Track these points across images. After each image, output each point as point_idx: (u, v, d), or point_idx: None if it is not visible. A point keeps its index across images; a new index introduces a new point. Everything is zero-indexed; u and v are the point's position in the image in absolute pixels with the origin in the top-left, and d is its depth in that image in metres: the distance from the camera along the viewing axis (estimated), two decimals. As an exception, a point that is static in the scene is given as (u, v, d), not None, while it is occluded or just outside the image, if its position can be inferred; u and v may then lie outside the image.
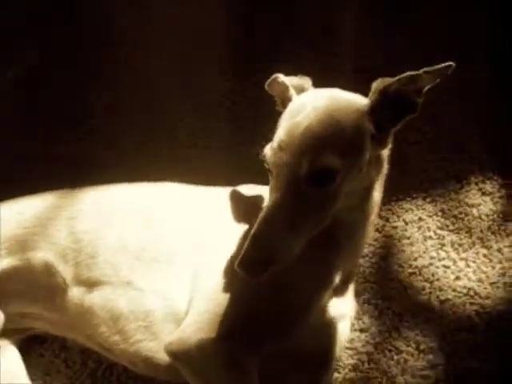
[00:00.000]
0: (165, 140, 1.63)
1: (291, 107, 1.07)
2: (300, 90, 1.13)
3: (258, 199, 1.18)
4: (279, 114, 1.08)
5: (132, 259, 1.21)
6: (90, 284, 1.20)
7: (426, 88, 1.02)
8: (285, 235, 0.97)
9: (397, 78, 1.02)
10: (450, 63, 1.00)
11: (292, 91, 1.12)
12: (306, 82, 1.15)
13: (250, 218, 1.11)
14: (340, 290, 1.24)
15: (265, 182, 1.26)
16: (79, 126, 1.65)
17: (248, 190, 1.30)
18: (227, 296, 1.11)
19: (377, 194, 1.16)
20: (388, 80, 1.03)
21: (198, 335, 1.10)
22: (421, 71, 1.01)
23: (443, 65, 1.00)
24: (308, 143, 0.98)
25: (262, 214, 0.98)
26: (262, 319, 1.12)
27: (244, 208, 1.19)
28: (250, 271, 0.97)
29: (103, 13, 1.86)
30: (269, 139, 1.03)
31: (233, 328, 1.10)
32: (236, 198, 1.23)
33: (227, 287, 1.12)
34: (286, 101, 1.13)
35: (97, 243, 1.22)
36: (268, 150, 1.03)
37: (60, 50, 1.82)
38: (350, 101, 1.05)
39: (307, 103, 1.04)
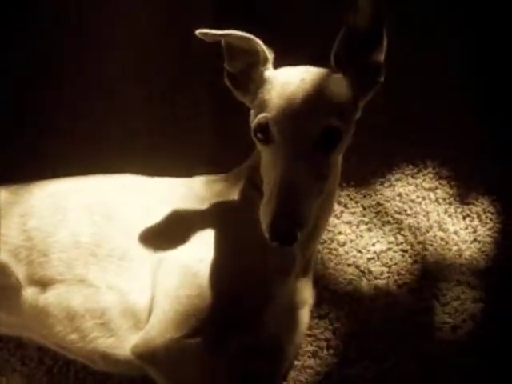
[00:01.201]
0: (120, 130, 1.60)
1: (278, 80, 1.06)
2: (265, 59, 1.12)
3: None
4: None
5: (86, 256, 1.19)
6: (44, 283, 1.18)
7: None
8: (304, 199, 0.98)
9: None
10: None
11: (269, 56, 1.10)
12: (270, 53, 1.14)
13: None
14: (301, 276, 1.26)
15: (218, 173, 1.28)
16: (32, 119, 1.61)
17: (207, 180, 1.30)
18: (190, 293, 1.11)
19: (338, 173, 1.17)
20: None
21: (163, 335, 1.10)
22: None
23: None
24: (311, 109, 1.01)
25: (279, 182, 0.98)
26: (226, 313, 1.12)
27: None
28: (285, 240, 0.97)
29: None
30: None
31: (198, 325, 1.10)
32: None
33: (189, 284, 1.12)
34: (242, 57, 1.11)
35: (49, 240, 1.20)
36: (265, 119, 1.02)
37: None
38: (327, 72, 1.08)
39: (292, 77, 1.05)
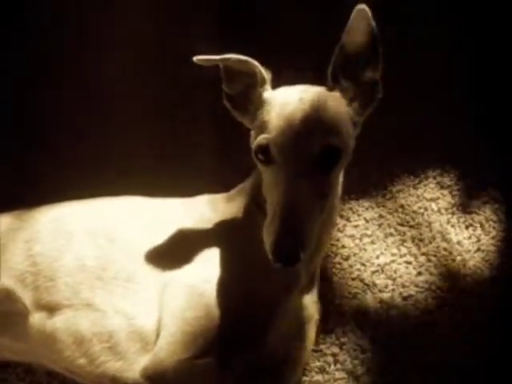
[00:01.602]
0: (120, 150, 1.60)
1: (276, 101, 1.07)
2: (263, 80, 1.13)
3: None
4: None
5: (92, 280, 1.20)
6: (51, 308, 1.19)
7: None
8: (306, 219, 0.99)
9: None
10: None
11: (267, 77, 1.11)
12: (268, 73, 1.15)
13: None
14: (306, 291, 1.26)
15: (220, 191, 1.28)
16: (34, 143, 1.61)
17: (209, 199, 1.30)
18: (196, 314, 1.12)
19: (339, 189, 1.18)
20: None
21: (172, 357, 1.11)
22: None
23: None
24: (311, 129, 1.02)
25: (281, 202, 0.99)
26: (233, 332, 1.12)
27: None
28: (288, 261, 0.97)
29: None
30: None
31: (206, 345, 1.11)
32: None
33: (195, 305, 1.12)
34: (240, 79, 1.12)
35: (54, 265, 1.20)
36: (266, 140, 1.04)
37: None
38: (325, 90, 1.09)
39: (290, 97, 1.06)
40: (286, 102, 1.07)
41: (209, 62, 1.11)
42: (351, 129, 1.09)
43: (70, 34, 1.77)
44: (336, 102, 1.08)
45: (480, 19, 1.78)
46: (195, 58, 1.10)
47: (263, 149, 1.05)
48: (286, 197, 1.00)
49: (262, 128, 1.07)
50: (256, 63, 1.12)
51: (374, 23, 1.05)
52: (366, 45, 1.07)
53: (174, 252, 1.20)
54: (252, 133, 1.13)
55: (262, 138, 1.05)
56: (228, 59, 1.11)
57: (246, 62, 1.11)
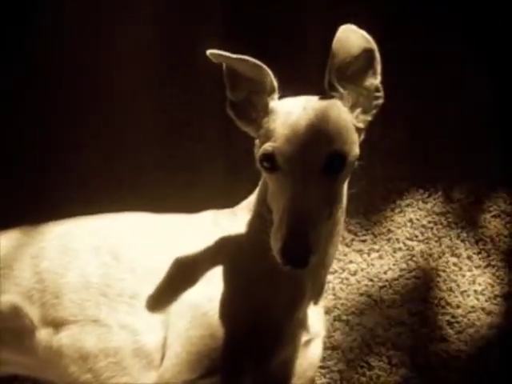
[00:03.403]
0: (129, 165, 1.62)
1: (281, 110, 1.07)
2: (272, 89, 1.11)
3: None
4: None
5: (97, 296, 1.19)
6: (57, 324, 1.18)
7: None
8: (314, 224, 0.99)
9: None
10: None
11: (275, 84, 1.09)
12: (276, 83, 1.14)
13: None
14: (312, 305, 1.26)
15: (228, 205, 1.28)
16: (43, 159, 1.64)
17: (213, 215, 1.31)
18: (201, 333, 1.10)
19: (345, 200, 1.16)
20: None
21: (177, 378, 1.10)
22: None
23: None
24: (315, 136, 1.02)
25: (288, 208, 0.99)
26: (239, 350, 1.11)
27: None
28: (297, 263, 0.97)
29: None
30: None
31: (211, 365, 1.09)
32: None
33: (200, 324, 1.11)
34: (245, 85, 1.11)
35: (60, 282, 1.20)
36: (271, 148, 1.03)
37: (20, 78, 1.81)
38: (327, 100, 1.08)
39: (294, 106, 1.06)
40: (290, 111, 1.07)
41: (221, 59, 1.10)
42: (355, 135, 1.09)
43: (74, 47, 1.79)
44: (337, 110, 1.08)
45: (491, 30, 1.78)
46: (208, 52, 1.08)
47: (269, 157, 1.04)
48: (293, 202, 1.00)
49: (268, 136, 1.06)
50: (268, 71, 1.10)
51: (364, 32, 1.05)
52: (360, 53, 1.06)
53: (178, 270, 1.18)
54: (256, 141, 1.12)
55: (267, 146, 1.04)
56: (243, 60, 1.09)
57: (260, 67, 1.09)
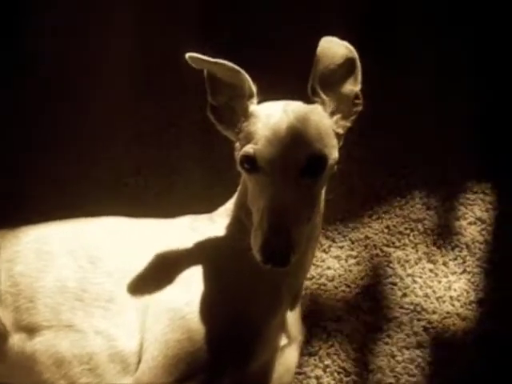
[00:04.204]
0: (107, 169, 1.61)
1: (262, 113, 1.09)
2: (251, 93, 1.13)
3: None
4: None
5: (72, 301, 1.18)
6: (31, 329, 1.16)
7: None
8: (294, 222, 1.00)
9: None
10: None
11: (254, 90, 1.12)
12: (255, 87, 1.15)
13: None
14: (289, 309, 1.26)
15: (208, 210, 1.29)
16: (18, 162, 1.62)
17: (191, 220, 1.30)
18: (179, 337, 1.10)
19: (322, 205, 1.18)
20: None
21: (153, 382, 1.09)
22: None
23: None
24: (296, 138, 1.04)
25: (268, 206, 1.00)
26: (219, 353, 1.11)
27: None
28: (278, 260, 0.98)
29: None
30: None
31: (189, 369, 1.09)
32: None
33: (177, 328, 1.11)
34: (225, 90, 1.12)
35: (35, 286, 1.18)
36: (252, 149, 1.05)
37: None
38: (307, 105, 1.11)
39: (275, 109, 1.09)
40: (270, 113, 1.09)
41: (200, 63, 1.11)
42: (334, 140, 1.11)
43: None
44: (318, 115, 1.10)
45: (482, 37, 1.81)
46: (187, 55, 1.09)
47: (249, 158, 1.06)
48: (274, 201, 1.01)
49: (248, 139, 1.08)
50: (246, 76, 1.12)
51: (346, 43, 1.09)
52: (342, 62, 1.10)
53: (156, 273, 1.18)
54: (236, 144, 1.13)
55: (248, 148, 1.06)
56: (221, 64, 1.10)
57: (237, 72, 1.11)
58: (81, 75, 1.77)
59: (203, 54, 1.08)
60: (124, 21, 1.87)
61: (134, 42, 1.77)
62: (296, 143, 1.05)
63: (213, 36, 1.76)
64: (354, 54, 1.11)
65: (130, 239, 1.26)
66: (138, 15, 1.87)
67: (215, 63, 1.10)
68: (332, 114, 1.12)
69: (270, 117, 1.08)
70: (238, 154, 1.09)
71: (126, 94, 1.72)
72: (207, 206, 1.27)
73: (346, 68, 1.11)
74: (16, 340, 1.17)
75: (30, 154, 1.63)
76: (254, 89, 1.14)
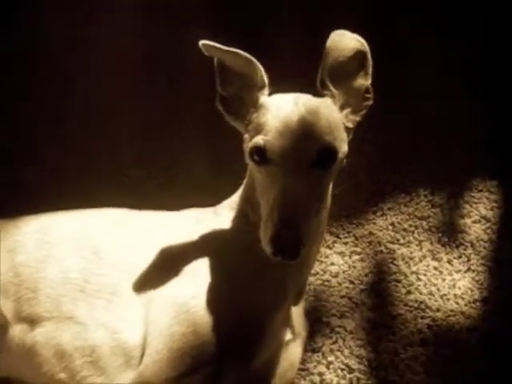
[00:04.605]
0: (110, 161, 1.59)
1: (273, 104, 1.07)
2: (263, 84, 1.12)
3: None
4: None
5: (74, 292, 1.16)
6: (32, 321, 1.15)
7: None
8: (304, 215, 1.00)
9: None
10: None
11: (265, 79, 1.10)
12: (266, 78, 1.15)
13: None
14: (292, 304, 1.25)
15: (210, 202, 1.27)
16: (20, 152, 1.60)
17: (195, 213, 1.29)
18: (184, 330, 1.08)
19: (329, 200, 1.17)
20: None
21: (158, 375, 1.07)
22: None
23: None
24: (307, 130, 1.03)
25: (279, 198, 0.99)
26: (224, 347, 1.09)
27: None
28: (288, 253, 0.97)
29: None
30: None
31: (194, 363, 1.08)
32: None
33: (182, 321, 1.09)
34: (235, 80, 1.11)
35: (36, 276, 1.17)
36: (263, 141, 1.03)
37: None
38: (318, 98, 1.10)
39: (285, 101, 1.07)
40: (281, 105, 1.08)
41: (214, 51, 1.09)
42: (344, 134, 1.10)
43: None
44: (328, 108, 1.09)
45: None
46: (201, 42, 1.08)
47: (259, 150, 1.05)
48: (284, 193, 1.01)
49: (258, 130, 1.07)
50: (259, 65, 1.11)
51: (357, 36, 1.08)
52: (352, 55, 1.09)
53: (160, 266, 1.17)
54: (246, 136, 1.11)
55: (258, 139, 1.05)
56: (235, 53, 1.09)
57: (250, 61, 1.10)
58: (83, 68, 1.76)
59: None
60: (128, 14, 1.86)
61: (138, 34, 1.75)
62: (307, 135, 1.04)
63: (220, 27, 1.74)
64: (366, 47, 1.10)
65: (135, 231, 1.25)
66: (142, 9, 1.86)
67: (229, 52, 1.09)
68: (342, 107, 1.11)
69: (281, 109, 1.06)
70: (248, 146, 1.07)
71: (128, 86, 1.71)
72: (209, 198, 1.26)
73: (357, 61, 1.10)
74: (17, 331, 1.16)
75: (31, 144, 1.62)
76: (266, 79, 1.13)
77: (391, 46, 1.69)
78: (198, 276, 1.14)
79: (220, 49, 1.08)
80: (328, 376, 1.31)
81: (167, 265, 1.17)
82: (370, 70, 1.11)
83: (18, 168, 1.57)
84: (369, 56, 1.10)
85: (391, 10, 1.82)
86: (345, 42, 1.09)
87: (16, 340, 1.15)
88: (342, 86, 1.11)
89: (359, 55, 1.09)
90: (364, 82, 1.12)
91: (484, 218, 1.53)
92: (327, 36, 1.06)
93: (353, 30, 1.07)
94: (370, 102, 1.13)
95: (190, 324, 1.08)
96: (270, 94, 1.11)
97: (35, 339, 1.14)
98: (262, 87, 1.11)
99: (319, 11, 1.79)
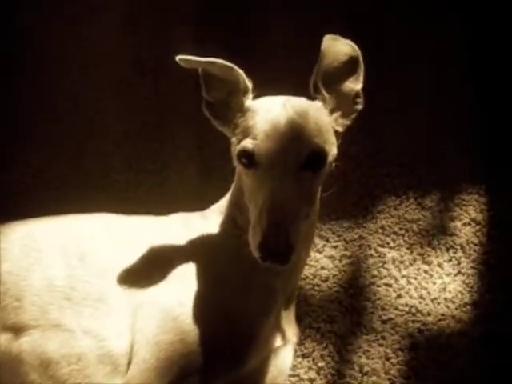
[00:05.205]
0: (97, 165, 1.58)
1: (260, 107, 1.07)
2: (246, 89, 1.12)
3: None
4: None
5: (60, 299, 1.15)
6: (17, 329, 1.13)
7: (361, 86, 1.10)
8: (293, 219, 0.99)
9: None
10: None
11: (249, 86, 1.11)
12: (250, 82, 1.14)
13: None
14: (283, 309, 1.24)
15: (199, 207, 1.27)
16: (5, 155, 1.58)
17: (183, 217, 1.28)
18: (171, 338, 1.07)
19: (318, 204, 1.16)
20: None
21: None
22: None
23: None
24: (296, 133, 1.03)
25: (267, 202, 0.98)
26: (212, 354, 1.08)
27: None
28: (277, 257, 0.96)
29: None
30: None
31: (181, 371, 1.06)
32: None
33: (169, 329, 1.08)
34: (221, 86, 1.11)
35: (22, 284, 1.15)
36: (251, 144, 1.03)
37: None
38: (308, 100, 1.11)
39: (273, 104, 1.07)
40: (269, 108, 1.07)
41: (191, 64, 1.09)
42: (333, 137, 1.10)
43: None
44: (317, 111, 1.09)
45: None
46: (178, 58, 1.08)
47: (247, 153, 1.04)
48: (273, 196, 0.99)
49: (246, 133, 1.06)
50: (240, 71, 1.11)
51: (349, 41, 1.08)
52: (346, 60, 1.09)
53: (148, 272, 1.15)
54: (233, 139, 1.11)
55: (246, 143, 1.04)
56: (212, 63, 1.09)
57: (231, 68, 1.10)
58: (72, 70, 1.74)
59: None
60: (115, 15, 1.85)
61: (126, 35, 1.74)
62: (295, 138, 1.03)
63: (208, 33, 1.75)
64: (358, 52, 1.10)
65: (121, 237, 1.23)
66: (130, 10, 1.85)
67: (207, 62, 1.09)
68: (332, 111, 1.11)
69: (269, 111, 1.06)
70: (235, 149, 1.07)
71: (117, 89, 1.70)
72: (199, 202, 1.25)
73: (349, 66, 1.11)
74: (2, 340, 1.14)
75: (18, 149, 1.59)
76: (250, 84, 1.13)
77: (381, 47, 1.69)
78: (184, 282, 1.12)
79: (198, 61, 1.08)
80: (319, 382, 1.31)
81: (154, 271, 1.15)
82: (362, 75, 1.12)
83: (3, 173, 1.55)
84: (361, 61, 1.11)
85: (378, 9, 1.82)
86: (338, 46, 1.09)
87: (2, 349, 1.13)
88: (333, 90, 1.11)
89: (351, 60, 1.10)
90: (355, 86, 1.12)
91: (474, 220, 1.53)
92: (318, 36, 1.06)
93: (340, 31, 1.07)
94: (361, 107, 1.13)
95: (177, 332, 1.07)
96: (258, 96, 1.10)
97: (21, 348, 1.12)
98: (245, 92, 1.11)
99: (309, 11, 1.78)
